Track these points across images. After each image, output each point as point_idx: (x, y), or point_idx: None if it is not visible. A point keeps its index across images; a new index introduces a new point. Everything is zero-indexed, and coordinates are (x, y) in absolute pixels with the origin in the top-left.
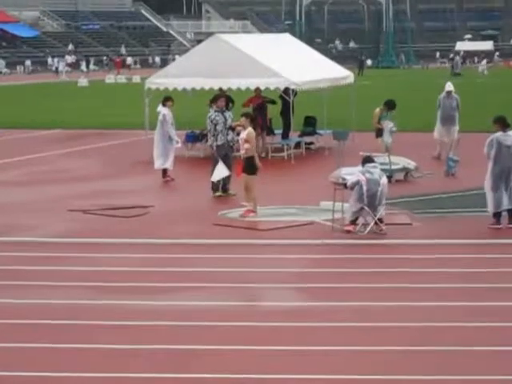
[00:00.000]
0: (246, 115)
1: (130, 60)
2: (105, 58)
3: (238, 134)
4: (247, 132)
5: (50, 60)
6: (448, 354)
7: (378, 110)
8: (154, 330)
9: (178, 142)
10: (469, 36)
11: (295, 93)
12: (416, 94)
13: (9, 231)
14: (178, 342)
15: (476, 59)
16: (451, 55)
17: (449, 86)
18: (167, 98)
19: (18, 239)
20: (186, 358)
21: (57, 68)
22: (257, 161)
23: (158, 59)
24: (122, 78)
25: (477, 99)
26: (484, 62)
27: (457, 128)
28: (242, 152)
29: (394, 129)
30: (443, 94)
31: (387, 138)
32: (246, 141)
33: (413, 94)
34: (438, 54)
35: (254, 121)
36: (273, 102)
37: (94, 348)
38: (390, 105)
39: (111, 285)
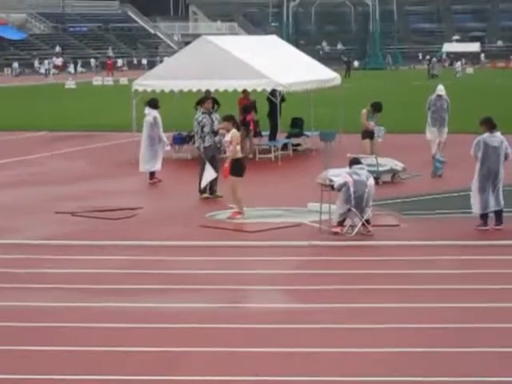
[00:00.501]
0: (227, 118)
1: (120, 62)
2: (92, 60)
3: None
4: (231, 134)
5: (36, 63)
6: (436, 355)
7: (364, 110)
8: (140, 333)
9: (168, 145)
10: (457, 37)
11: (282, 95)
12: (388, 97)
13: None
14: (165, 344)
15: (463, 61)
16: (427, 57)
17: (440, 90)
18: (156, 101)
19: (4, 241)
20: (173, 361)
21: (47, 70)
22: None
23: (145, 61)
24: (109, 80)
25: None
26: (458, 64)
27: (446, 129)
28: (228, 154)
29: (383, 132)
30: (434, 96)
31: (378, 139)
32: (231, 143)
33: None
34: (420, 56)
35: (237, 123)
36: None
37: (78, 350)
38: (376, 107)
39: (98, 287)
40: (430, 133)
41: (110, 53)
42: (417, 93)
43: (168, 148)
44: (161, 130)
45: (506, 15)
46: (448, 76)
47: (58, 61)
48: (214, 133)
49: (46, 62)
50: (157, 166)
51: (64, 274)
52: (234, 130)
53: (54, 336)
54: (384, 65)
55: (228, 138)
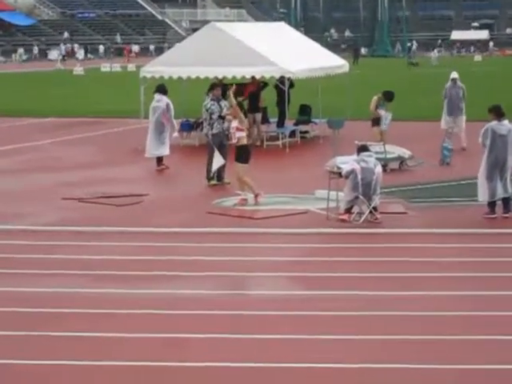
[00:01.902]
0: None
1: (136, 48)
2: (101, 46)
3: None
4: (239, 118)
5: (53, 53)
6: (446, 343)
7: (375, 97)
8: (146, 318)
9: (176, 131)
10: (476, 24)
11: (291, 82)
12: (397, 84)
13: (2, 220)
14: (170, 330)
15: (472, 48)
16: (409, 44)
17: (453, 74)
18: (165, 87)
19: (11, 227)
20: (179, 347)
21: (62, 56)
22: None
23: (152, 47)
24: (117, 67)
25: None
26: (435, 51)
27: (464, 117)
28: (234, 141)
29: (389, 119)
30: (449, 84)
31: (384, 127)
32: (238, 129)
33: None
34: (413, 46)
35: (244, 110)
36: (265, 85)
37: (85, 336)
38: (388, 96)
39: (105, 273)
40: (445, 122)
41: (118, 39)
42: (423, 80)
43: (176, 135)
44: (172, 116)
45: None
46: (426, 64)
47: (65, 48)
48: (222, 118)
49: (63, 47)
50: (165, 151)
51: (71, 260)
52: (242, 116)
53: (62, 322)
54: (392, 52)
55: (235, 124)
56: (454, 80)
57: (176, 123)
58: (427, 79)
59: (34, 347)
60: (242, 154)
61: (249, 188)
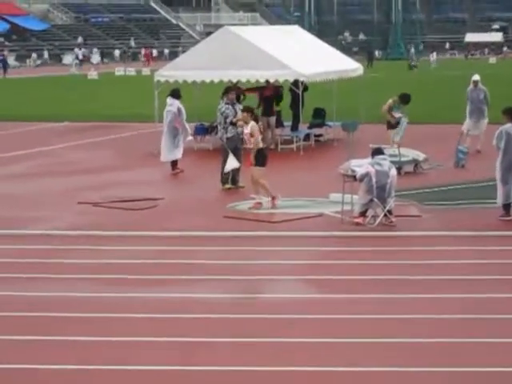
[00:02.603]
0: (246, 110)
1: (155, 52)
2: (117, 51)
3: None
4: (250, 126)
5: (67, 57)
6: (460, 346)
7: (390, 100)
8: (164, 322)
9: (190, 135)
10: (497, 26)
11: (305, 86)
12: (410, 86)
13: (19, 224)
14: (188, 334)
15: (486, 51)
16: (408, 47)
17: (475, 76)
18: (178, 91)
19: (27, 232)
20: (196, 350)
21: (78, 61)
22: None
23: (166, 51)
24: (131, 71)
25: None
26: (434, 54)
27: (486, 121)
28: (251, 146)
29: (405, 124)
30: (471, 87)
31: (401, 132)
32: (251, 135)
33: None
34: (412, 49)
35: (255, 115)
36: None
37: (100, 341)
38: (404, 99)
39: (122, 277)
40: (465, 124)
41: (132, 43)
42: (441, 83)
43: (190, 138)
44: (184, 120)
45: None
46: (425, 67)
47: (81, 52)
48: (233, 124)
49: (80, 52)
50: (178, 155)
51: (87, 265)
52: (252, 123)
53: (79, 326)
54: (406, 55)
55: (248, 130)
56: (475, 82)
57: (189, 127)
58: (428, 81)
59: (45, 351)
60: (259, 158)
61: (265, 191)
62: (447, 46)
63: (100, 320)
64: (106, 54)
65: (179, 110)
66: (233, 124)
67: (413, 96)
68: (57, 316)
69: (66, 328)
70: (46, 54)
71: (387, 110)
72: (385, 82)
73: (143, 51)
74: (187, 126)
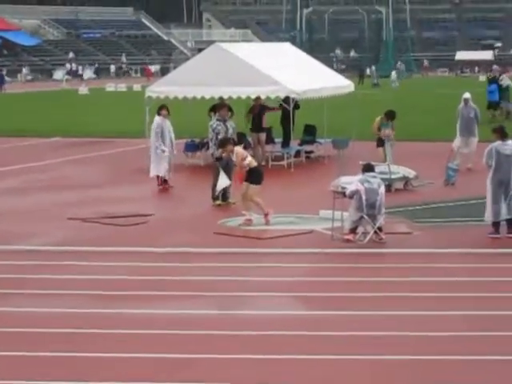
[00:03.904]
0: (222, 144)
1: (156, 68)
2: (112, 66)
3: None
4: (235, 154)
5: (57, 73)
6: (449, 364)
7: (378, 118)
8: (151, 339)
9: (163, 151)
10: (498, 44)
11: (296, 102)
12: (401, 103)
13: (8, 239)
14: (175, 350)
15: (476, 69)
16: (373, 67)
17: (466, 94)
18: (161, 107)
19: (16, 248)
20: (181, 366)
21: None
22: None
23: (158, 67)
24: (122, 87)
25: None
26: (394, 73)
27: (476, 139)
28: (246, 169)
29: (392, 141)
30: (461, 105)
31: (389, 149)
32: (242, 159)
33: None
34: (426, 63)
35: (234, 140)
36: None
37: (85, 357)
38: (389, 115)
39: (110, 293)
40: (456, 141)
41: (124, 59)
42: (435, 100)
43: (165, 154)
44: (157, 136)
45: None
46: (387, 86)
47: (74, 66)
48: (218, 160)
49: (70, 67)
50: (162, 172)
51: (75, 280)
52: (235, 149)
53: (65, 342)
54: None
55: (235, 158)
56: (465, 100)
57: (178, 143)
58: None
59: (34, 367)
60: (255, 176)
61: (259, 208)
62: (436, 63)
63: (84, 336)
64: (97, 70)
65: (157, 124)
66: (218, 159)
67: (402, 113)
68: (42, 332)
69: (49, 344)
70: (39, 70)
71: (376, 128)
72: (374, 100)
73: (146, 67)
74: (158, 143)
